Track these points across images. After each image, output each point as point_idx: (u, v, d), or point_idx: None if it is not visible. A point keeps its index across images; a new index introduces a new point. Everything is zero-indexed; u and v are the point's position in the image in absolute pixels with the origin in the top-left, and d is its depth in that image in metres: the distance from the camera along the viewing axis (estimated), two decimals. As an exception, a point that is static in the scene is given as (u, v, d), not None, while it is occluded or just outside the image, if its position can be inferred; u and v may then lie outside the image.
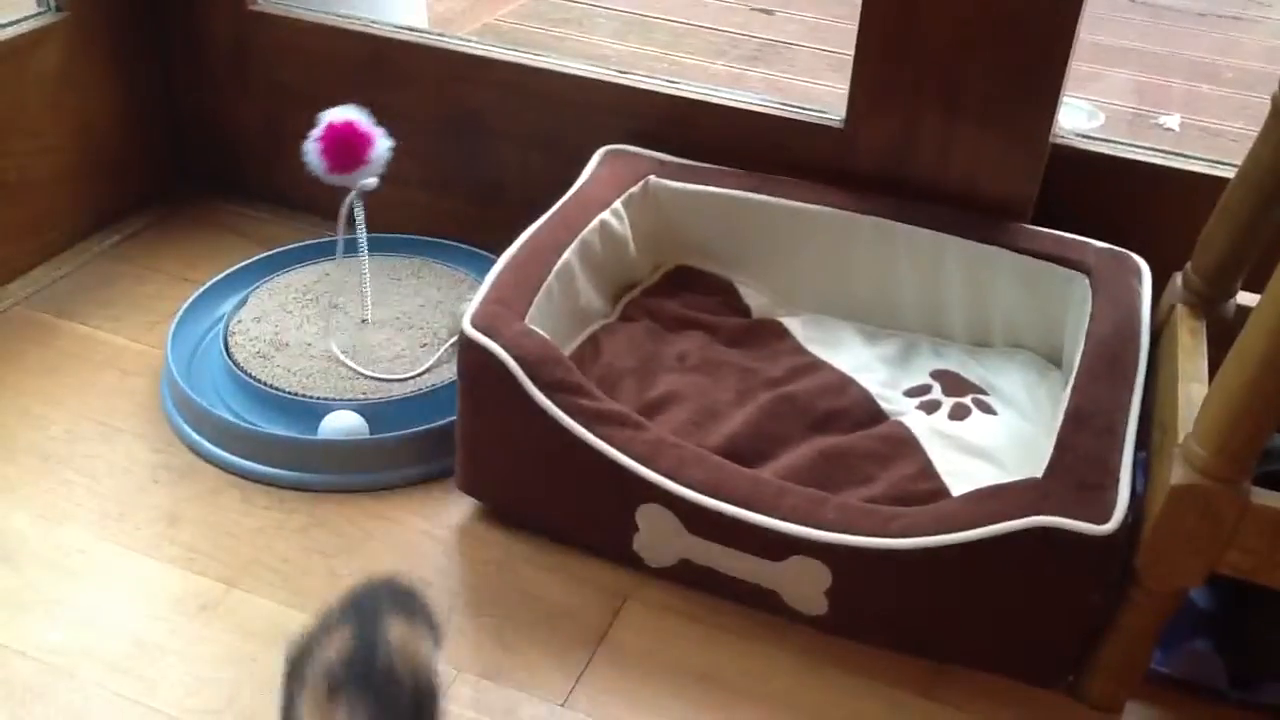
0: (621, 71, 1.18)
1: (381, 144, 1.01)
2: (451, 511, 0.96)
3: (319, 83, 1.26)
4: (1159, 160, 1.05)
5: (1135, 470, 0.81)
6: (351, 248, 1.07)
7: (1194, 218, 0.94)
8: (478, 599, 0.89)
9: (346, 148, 1.00)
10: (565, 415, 0.86)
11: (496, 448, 0.92)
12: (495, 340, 0.87)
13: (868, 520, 0.81)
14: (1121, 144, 1.07)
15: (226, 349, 1.07)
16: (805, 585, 0.83)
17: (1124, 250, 1.01)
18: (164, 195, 1.37)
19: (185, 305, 1.12)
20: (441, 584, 0.90)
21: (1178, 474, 0.73)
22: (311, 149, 1.00)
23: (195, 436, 1.01)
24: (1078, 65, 1.01)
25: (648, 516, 0.86)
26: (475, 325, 0.88)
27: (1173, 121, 1.90)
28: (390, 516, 0.96)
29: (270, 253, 1.21)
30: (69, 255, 1.26)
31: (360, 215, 1.04)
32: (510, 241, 0.98)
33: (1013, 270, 1.03)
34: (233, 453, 0.99)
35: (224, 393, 1.05)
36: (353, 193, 1.02)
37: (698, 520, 0.84)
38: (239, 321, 1.11)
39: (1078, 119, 1.83)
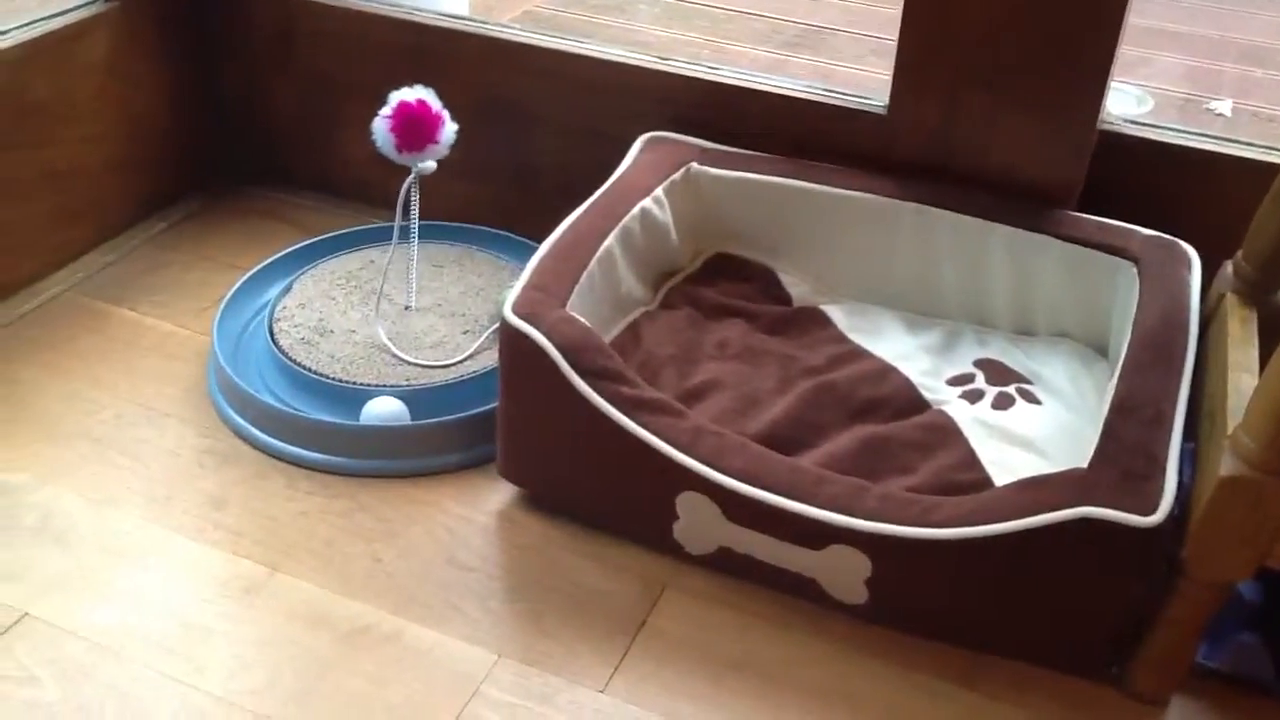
0: (662, 58, 1.17)
1: (449, 126, 1.02)
2: (492, 497, 0.97)
3: (362, 71, 1.26)
4: (1210, 146, 1.03)
5: (1183, 461, 0.79)
6: (399, 235, 1.07)
7: (1245, 205, 0.92)
8: (518, 585, 0.89)
9: (417, 126, 1.00)
10: (606, 402, 0.86)
11: (537, 434, 0.92)
12: (536, 327, 0.87)
13: (909, 510, 0.81)
14: (1171, 129, 1.05)
15: (271, 335, 1.08)
16: (845, 574, 0.83)
17: (1172, 238, 0.99)
18: (210, 183, 1.38)
19: (231, 292, 1.14)
20: (482, 569, 0.91)
21: (1226, 465, 0.72)
22: (381, 127, 1.00)
23: (240, 421, 1.03)
24: (1126, 49, 1.00)
25: (687, 504, 0.86)
26: (516, 312, 0.89)
27: (1224, 107, 1.86)
28: (431, 502, 0.97)
29: (314, 239, 1.22)
30: (117, 242, 1.28)
31: (416, 200, 1.05)
32: (550, 229, 0.99)
33: (1058, 258, 1.02)
34: (277, 437, 1.01)
35: (268, 378, 1.06)
36: (412, 175, 1.03)
37: (737, 508, 0.84)
38: (284, 308, 1.12)
39: (1126, 104, 1.81)
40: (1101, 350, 1.03)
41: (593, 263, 0.96)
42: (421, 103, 1.00)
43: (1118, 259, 0.99)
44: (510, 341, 0.89)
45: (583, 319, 0.90)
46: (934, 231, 1.05)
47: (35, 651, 0.82)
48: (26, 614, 0.85)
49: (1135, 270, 0.97)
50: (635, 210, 1.03)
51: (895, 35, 1.05)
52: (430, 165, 1.03)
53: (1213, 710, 0.82)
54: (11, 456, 0.99)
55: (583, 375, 0.86)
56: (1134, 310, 0.93)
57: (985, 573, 0.80)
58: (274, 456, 1.00)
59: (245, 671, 0.82)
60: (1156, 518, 0.75)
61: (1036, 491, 0.78)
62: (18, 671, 0.81)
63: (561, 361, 0.86)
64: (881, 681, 0.83)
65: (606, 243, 0.98)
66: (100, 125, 1.24)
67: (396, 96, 1.00)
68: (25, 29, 1.15)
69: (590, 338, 0.88)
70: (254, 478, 0.98)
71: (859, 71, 1.92)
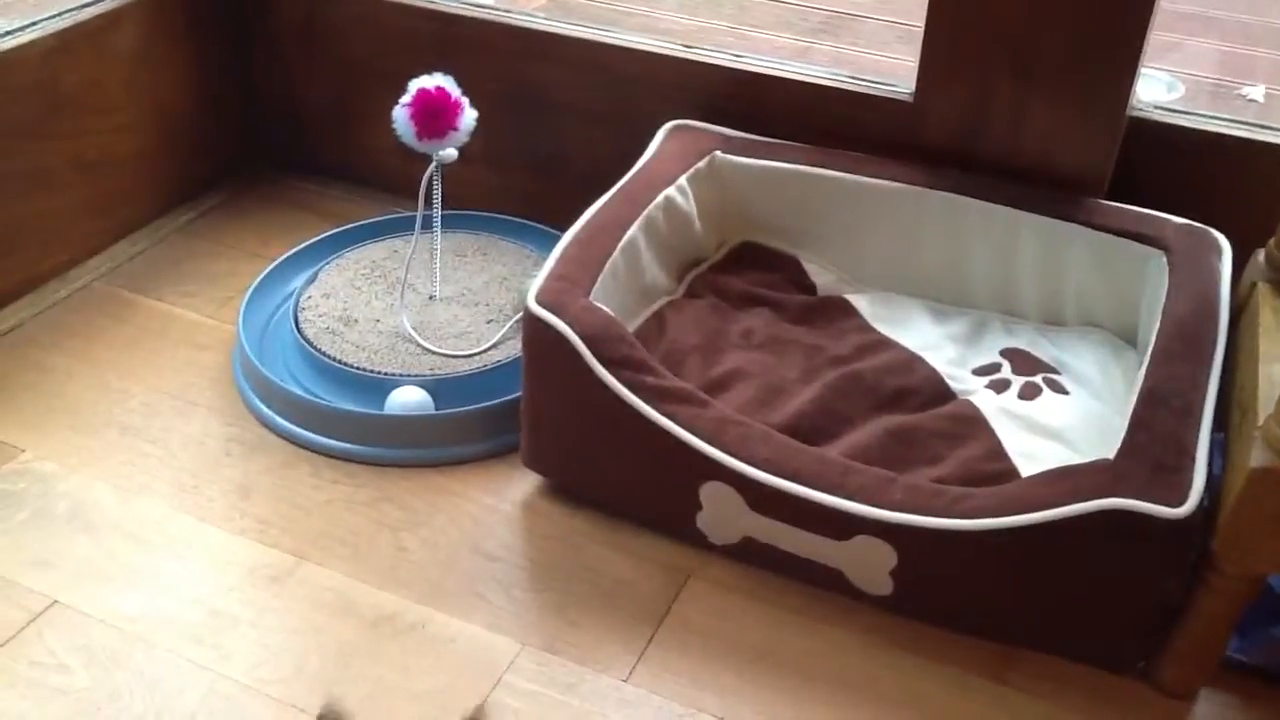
0: (687, 46, 1.17)
1: (469, 113, 1.02)
2: (516, 486, 0.97)
3: (388, 59, 1.27)
4: (1242, 133, 1.02)
5: (1213, 452, 0.78)
6: (422, 224, 1.08)
7: (1278, 191, 0.91)
8: (542, 574, 0.90)
9: (437, 113, 1.00)
10: (629, 392, 0.86)
11: (561, 424, 0.92)
12: (560, 316, 0.87)
13: (935, 501, 0.80)
14: (1202, 116, 1.04)
15: (296, 325, 1.09)
16: (870, 565, 0.83)
17: (1203, 226, 0.98)
18: (238, 172, 1.39)
19: (256, 282, 1.14)
20: (506, 559, 0.91)
21: (1258, 457, 0.71)
22: (401, 115, 1.00)
23: (266, 411, 1.03)
24: (1157, 34, 0.98)
25: (711, 494, 0.86)
26: (540, 301, 0.89)
27: (1257, 92, 1.83)
28: (456, 491, 0.97)
29: (339, 229, 1.22)
30: (146, 232, 1.29)
31: (438, 189, 1.05)
32: (575, 217, 0.98)
33: (1087, 247, 1.00)
34: (303, 427, 1.01)
35: (294, 368, 1.07)
36: (433, 164, 1.03)
37: (762, 498, 0.84)
38: (309, 297, 1.12)
39: (1156, 90, 1.78)
40: (1131, 340, 1.02)
41: (616, 252, 0.96)
42: (440, 89, 1.00)
43: (1148, 248, 0.98)
44: (534, 331, 0.89)
45: (606, 308, 0.90)
46: (962, 220, 1.04)
47: (65, 639, 0.83)
48: (56, 601, 0.86)
49: (1165, 259, 0.95)
50: (659, 199, 1.02)
51: (921, 21, 1.04)
52: (451, 153, 1.02)
53: (1242, 704, 0.81)
54: (42, 445, 1.00)
55: (606, 365, 0.86)
56: (1163, 299, 0.91)
57: (1012, 565, 0.79)
58: (300, 445, 1.01)
59: (272, 659, 0.82)
60: (1186, 509, 0.74)
61: (1064, 483, 0.78)
62: (48, 658, 0.82)
63: (585, 351, 0.86)
64: (908, 673, 0.83)
65: (630, 232, 0.98)
66: (130, 115, 1.25)
67: (415, 84, 1.00)
68: (55, 20, 1.15)
69: (614, 327, 0.88)
70: (280, 467, 0.99)
71: (885, 59, 1.90)
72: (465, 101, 1.02)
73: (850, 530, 0.81)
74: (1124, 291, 1.00)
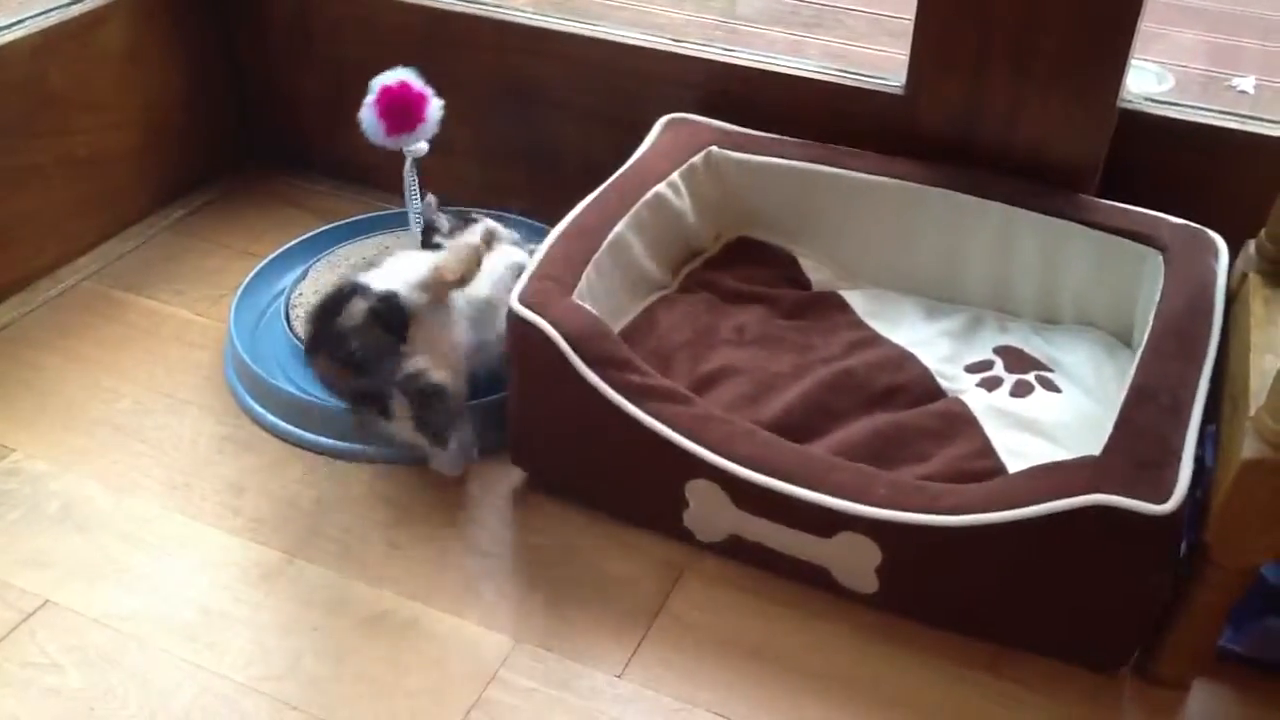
0: (678, 40, 1.17)
1: (435, 103, 1.02)
2: (507, 483, 0.97)
3: (379, 56, 1.25)
4: (1232, 124, 1.02)
5: (1205, 444, 0.78)
6: (410, 220, 1.07)
7: (1269, 183, 0.91)
8: (535, 570, 0.89)
9: (402, 108, 1.00)
10: (612, 390, 0.85)
11: (547, 423, 0.91)
12: (543, 316, 0.87)
13: (917, 497, 0.80)
14: (1192, 107, 1.04)
15: (288, 322, 1.09)
16: (855, 562, 0.82)
17: (1200, 226, 0.97)
18: (228, 170, 1.38)
19: (247, 280, 1.14)
20: (499, 555, 0.91)
21: (1249, 448, 0.71)
22: (367, 114, 1.00)
23: (258, 409, 1.03)
24: (1145, 25, 0.98)
25: (697, 491, 0.85)
26: (523, 301, 0.88)
27: (1247, 84, 1.83)
28: (447, 488, 0.97)
29: (328, 226, 1.22)
30: (136, 230, 1.29)
31: (414, 183, 1.04)
32: (569, 212, 0.98)
33: (1085, 245, 1.00)
34: (295, 424, 1.01)
35: (285, 365, 1.06)
36: (408, 161, 1.03)
37: (746, 495, 0.83)
38: (299, 295, 1.12)
39: (1146, 82, 1.78)
40: (1127, 339, 1.01)
41: (602, 249, 0.95)
42: (403, 84, 1.00)
43: (1145, 247, 0.97)
44: (518, 331, 0.88)
45: (590, 307, 0.90)
46: (958, 217, 1.04)
47: (57, 638, 0.83)
48: (48, 601, 0.86)
49: (1161, 259, 0.95)
50: (649, 196, 1.02)
51: (909, 15, 1.03)
52: (421, 147, 1.02)
53: (1235, 694, 0.82)
54: (33, 444, 0.99)
55: (589, 363, 0.86)
56: (1158, 298, 0.91)
57: (996, 561, 0.79)
58: (292, 443, 1.01)
59: (265, 657, 0.82)
60: (1169, 506, 0.73)
61: (1048, 479, 0.77)
62: (40, 658, 0.81)
63: (567, 350, 0.86)
64: (903, 668, 0.83)
65: (618, 229, 0.98)
66: (119, 113, 1.24)
67: (377, 82, 1.00)
68: (41, 17, 1.15)
69: (598, 326, 0.88)
70: (272, 464, 0.99)
71: (881, 53, 1.90)
72: (429, 92, 1.01)
73: (834, 527, 0.81)
74: (1120, 290, 1.00)
